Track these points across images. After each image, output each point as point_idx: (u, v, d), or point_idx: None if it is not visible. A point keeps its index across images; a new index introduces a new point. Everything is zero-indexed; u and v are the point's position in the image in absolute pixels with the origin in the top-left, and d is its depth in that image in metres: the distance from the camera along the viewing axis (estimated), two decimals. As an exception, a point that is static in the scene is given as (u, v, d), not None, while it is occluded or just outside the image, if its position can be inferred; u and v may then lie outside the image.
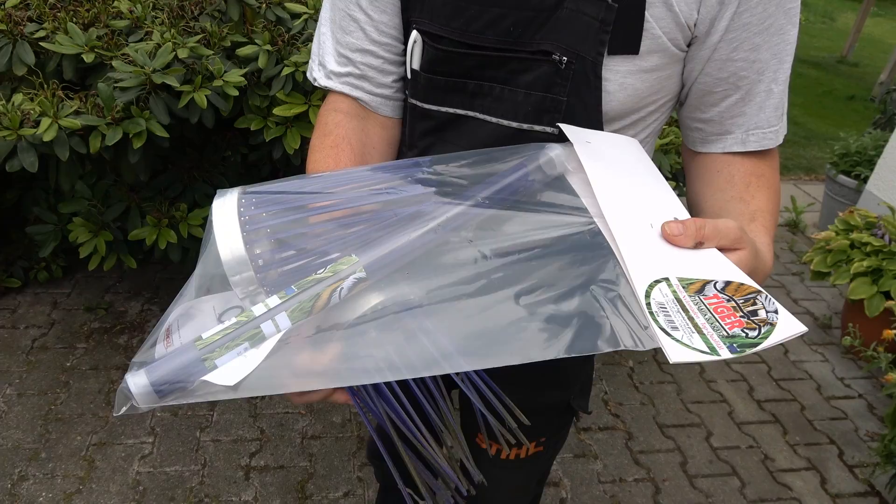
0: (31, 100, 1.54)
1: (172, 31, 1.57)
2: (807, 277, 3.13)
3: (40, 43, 1.56)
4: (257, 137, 1.72)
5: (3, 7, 1.62)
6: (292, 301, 0.54)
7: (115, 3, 1.68)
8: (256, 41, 1.62)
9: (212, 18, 1.74)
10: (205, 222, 1.81)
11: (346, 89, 0.84)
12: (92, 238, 1.83)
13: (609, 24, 0.69)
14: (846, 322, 2.54)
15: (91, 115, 1.50)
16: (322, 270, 0.56)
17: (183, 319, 0.57)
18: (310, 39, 1.62)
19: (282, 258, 0.59)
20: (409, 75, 0.81)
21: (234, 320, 0.53)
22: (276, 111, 1.63)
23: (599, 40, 0.69)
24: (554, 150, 0.70)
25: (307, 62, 1.56)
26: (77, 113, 1.50)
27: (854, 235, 2.53)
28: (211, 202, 1.92)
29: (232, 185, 1.99)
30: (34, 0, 1.72)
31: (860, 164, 3.47)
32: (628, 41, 0.70)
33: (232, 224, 0.59)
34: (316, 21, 1.63)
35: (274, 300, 0.54)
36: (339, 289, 0.55)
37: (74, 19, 1.67)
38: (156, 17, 1.69)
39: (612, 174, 0.69)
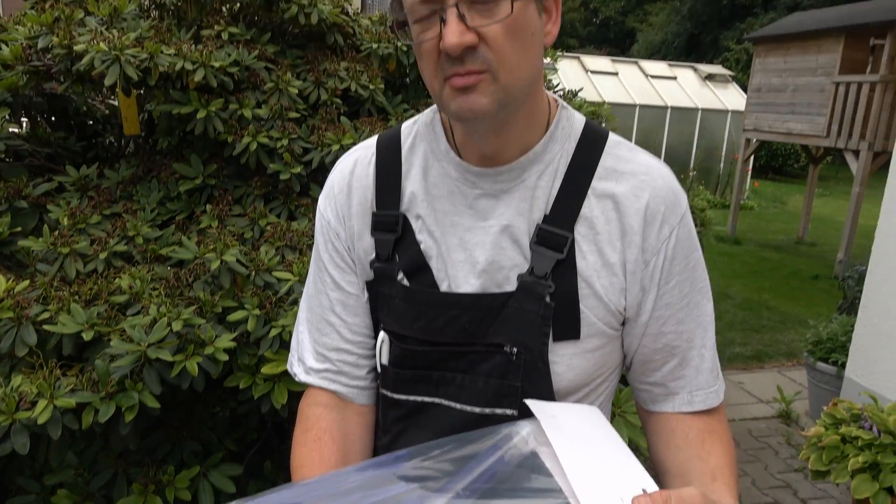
0: (29, 380, 1.61)
1: (167, 303, 1.69)
2: (810, 474, 3.06)
3: (44, 326, 1.67)
4: (246, 393, 1.78)
5: (12, 294, 1.75)
6: None
7: (117, 280, 1.83)
8: (246, 305, 1.74)
9: (206, 285, 1.89)
10: (191, 484, 1.79)
11: (325, 384, 0.93)
12: (75, 510, 1.79)
13: (549, 319, 0.80)
14: (859, 523, 2.45)
15: (86, 392, 1.56)
16: None
17: None
18: (295, 303, 1.75)
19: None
20: (379, 369, 0.90)
21: None
22: (264, 369, 1.71)
23: (542, 332, 0.80)
24: (524, 429, 0.76)
25: (293, 324, 1.67)
26: (73, 391, 1.56)
27: (843, 430, 2.54)
28: (199, 460, 1.90)
29: (220, 439, 2.00)
30: (41, 281, 1.87)
31: (835, 351, 3.57)
32: (569, 329, 0.81)
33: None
34: (301, 284, 1.77)
35: None
36: None
37: (77, 296, 1.81)
38: (154, 289, 1.83)
39: (579, 449, 0.74)
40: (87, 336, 1.65)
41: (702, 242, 3.03)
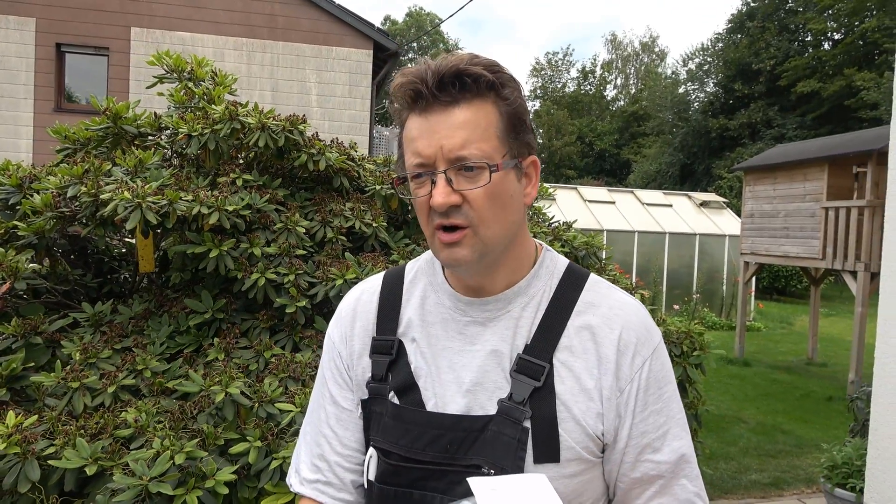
0: (29, 517, 1.61)
1: (171, 436, 1.73)
2: None
3: (49, 461, 1.70)
4: (245, 529, 1.76)
5: (20, 429, 1.79)
6: None
7: (123, 414, 1.87)
8: (248, 437, 1.78)
9: (210, 417, 1.93)
10: None
11: (314, 494, 0.98)
12: None
13: (525, 443, 0.86)
14: None
15: (85, 529, 1.57)
16: None
17: None
18: (296, 434, 1.78)
19: None
20: (365, 485, 0.95)
21: None
22: (263, 502, 1.71)
23: (518, 456, 0.85)
24: None
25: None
26: (71, 528, 1.56)
27: (865, 561, 2.43)
28: None
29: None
30: (49, 416, 1.91)
31: (852, 476, 3.47)
32: (549, 452, 0.86)
33: None
34: (302, 416, 1.81)
35: None
36: None
37: (83, 430, 1.84)
38: (159, 422, 1.87)
39: None
40: (91, 471, 1.67)
41: (703, 366, 3.04)
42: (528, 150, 0.91)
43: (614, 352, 0.89)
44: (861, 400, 4.01)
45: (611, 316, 0.91)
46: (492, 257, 0.89)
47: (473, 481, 0.79)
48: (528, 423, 0.86)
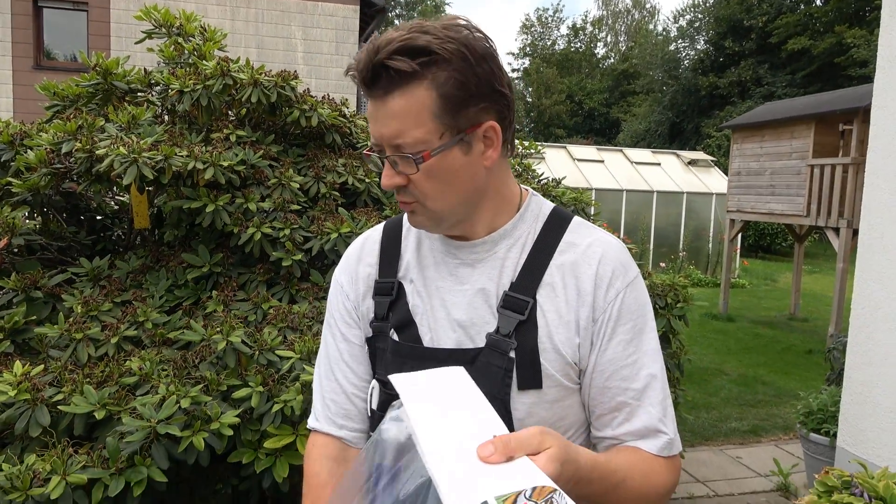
0: (42, 458, 1.69)
1: (176, 382, 1.80)
2: (809, 546, 3.04)
3: (58, 406, 1.77)
4: (248, 469, 1.85)
5: (28, 377, 1.86)
6: None
7: (127, 363, 1.94)
8: (250, 383, 1.85)
9: (211, 365, 2.00)
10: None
11: (329, 429, 1.06)
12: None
13: (511, 371, 0.93)
14: None
15: (97, 468, 1.64)
16: None
17: None
18: (297, 379, 1.86)
19: None
20: (369, 414, 1.02)
21: None
22: (266, 444, 1.79)
23: (505, 383, 0.94)
24: (387, 423, 0.78)
25: (295, 399, 1.78)
26: (84, 467, 1.64)
27: (835, 497, 2.57)
28: (201, 539, 1.93)
29: (222, 517, 2.05)
30: (54, 366, 1.97)
31: (826, 421, 3.62)
32: (532, 379, 0.94)
33: None
34: (301, 362, 1.89)
35: None
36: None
37: (89, 379, 1.91)
38: (163, 370, 1.94)
39: (437, 410, 0.77)
40: (100, 415, 1.74)
41: (686, 318, 3.13)
42: (481, 118, 0.91)
43: (591, 285, 0.96)
44: (837, 350, 4.15)
45: (589, 253, 0.98)
46: (454, 219, 0.96)
47: (394, 378, 0.82)
48: (513, 354, 0.93)
